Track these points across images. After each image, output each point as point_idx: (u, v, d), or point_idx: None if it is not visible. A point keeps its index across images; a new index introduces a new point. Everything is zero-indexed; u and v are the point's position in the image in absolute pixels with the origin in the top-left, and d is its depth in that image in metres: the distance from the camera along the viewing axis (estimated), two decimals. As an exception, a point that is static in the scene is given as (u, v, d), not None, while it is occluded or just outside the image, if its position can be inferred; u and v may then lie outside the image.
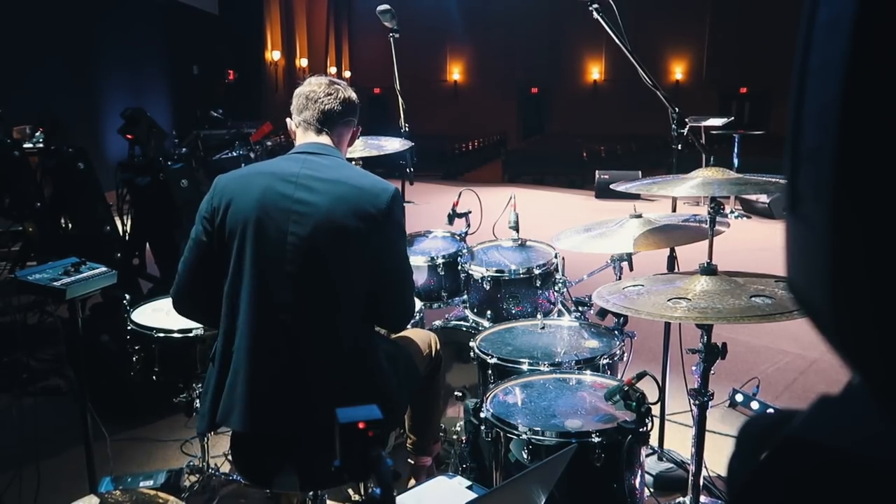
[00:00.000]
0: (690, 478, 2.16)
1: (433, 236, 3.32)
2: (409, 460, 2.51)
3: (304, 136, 1.98)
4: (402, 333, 2.35)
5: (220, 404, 1.86)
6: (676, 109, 2.51)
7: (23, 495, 2.59)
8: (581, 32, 15.67)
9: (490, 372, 2.30)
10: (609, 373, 2.29)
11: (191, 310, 2.03)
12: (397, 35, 3.36)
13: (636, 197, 8.19)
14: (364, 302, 1.88)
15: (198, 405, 2.53)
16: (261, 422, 1.83)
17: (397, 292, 1.96)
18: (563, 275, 2.80)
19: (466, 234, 3.17)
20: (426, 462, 2.50)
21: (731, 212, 8.25)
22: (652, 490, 2.60)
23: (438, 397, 2.56)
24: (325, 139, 1.97)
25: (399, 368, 2.03)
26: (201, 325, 2.42)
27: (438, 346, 2.37)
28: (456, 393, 2.73)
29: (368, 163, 3.02)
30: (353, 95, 2.05)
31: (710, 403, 2.11)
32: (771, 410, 3.13)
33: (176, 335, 2.47)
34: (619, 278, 2.58)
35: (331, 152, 1.94)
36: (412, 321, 2.64)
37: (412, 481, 2.43)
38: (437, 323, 2.92)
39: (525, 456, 1.86)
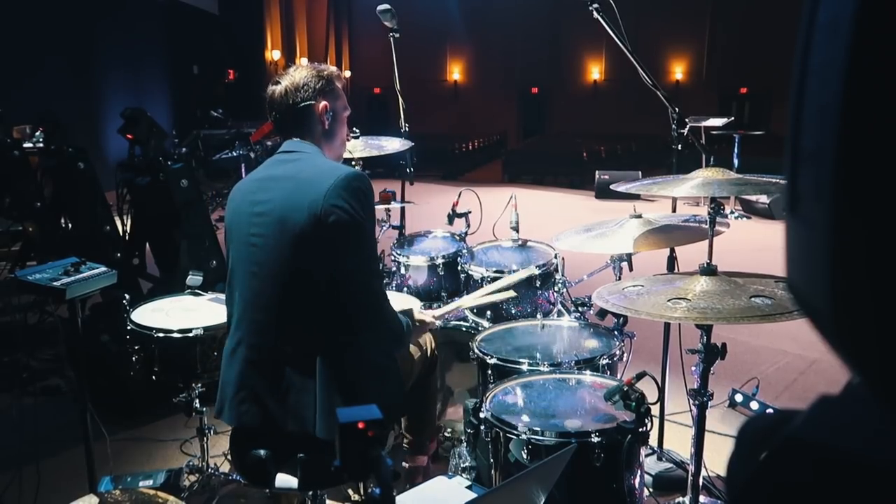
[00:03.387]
0: (690, 478, 2.16)
1: (433, 236, 3.32)
2: (405, 463, 2.47)
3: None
4: None
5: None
6: (676, 109, 2.51)
7: (23, 495, 2.59)
8: (581, 32, 15.65)
9: (490, 372, 2.30)
10: (609, 373, 2.29)
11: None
12: (397, 35, 3.36)
13: (636, 197, 8.18)
14: (343, 301, 1.81)
15: (197, 405, 2.56)
16: (244, 417, 1.85)
17: (360, 297, 1.80)
18: (562, 275, 2.80)
19: (466, 234, 3.17)
20: (422, 462, 2.49)
21: (731, 212, 8.25)
22: (651, 490, 2.60)
23: (435, 396, 2.56)
24: (289, 137, 1.93)
25: (392, 367, 2.01)
26: (201, 326, 2.43)
27: (434, 345, 2.36)
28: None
29: (369, 163, 3.02)
30: (300, 76, 1.88)
31: (710, 403, 2.11)
32: (771, 410, 3.13)
33: (175, 335, 2.46)
34: (619, 278, 2.58)
35: (299, 148, 1.88)
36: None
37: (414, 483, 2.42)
38: (437, 323, 2.92)
39: (525, 456, 1.86)
